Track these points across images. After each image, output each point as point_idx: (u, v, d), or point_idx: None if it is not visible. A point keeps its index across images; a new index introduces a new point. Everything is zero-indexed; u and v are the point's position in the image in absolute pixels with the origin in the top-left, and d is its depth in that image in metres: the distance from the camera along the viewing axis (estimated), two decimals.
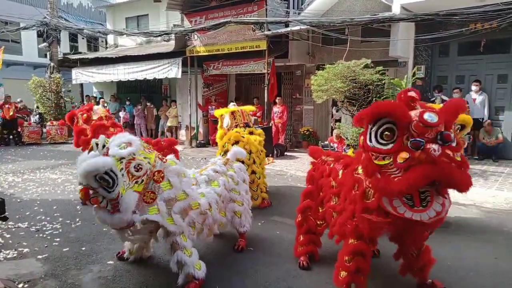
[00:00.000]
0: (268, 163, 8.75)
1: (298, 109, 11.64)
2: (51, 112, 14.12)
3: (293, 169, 8.26)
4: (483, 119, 8.40)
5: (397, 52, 8.59)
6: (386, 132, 2.27)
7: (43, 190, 6.46)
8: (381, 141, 2.30)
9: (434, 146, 2.13)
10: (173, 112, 12.95)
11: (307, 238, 3.58)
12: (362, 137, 2.48)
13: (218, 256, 3.81)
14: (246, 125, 5.59)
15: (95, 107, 5.84)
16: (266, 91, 10.13)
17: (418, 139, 2.16)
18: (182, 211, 3.04)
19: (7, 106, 12.19)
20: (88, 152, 2.73)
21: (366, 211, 2.53)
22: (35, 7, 15.68)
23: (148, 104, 13.94)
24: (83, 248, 3.98)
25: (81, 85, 15.86)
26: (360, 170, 2.66)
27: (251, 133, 5.55)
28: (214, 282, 3.22)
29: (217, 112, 5.89)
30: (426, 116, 2.17)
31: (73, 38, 21.33)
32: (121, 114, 14.07)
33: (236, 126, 5.56)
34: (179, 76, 11.41)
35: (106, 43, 17.14)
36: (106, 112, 5.87)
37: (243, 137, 5.36)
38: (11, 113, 12.19)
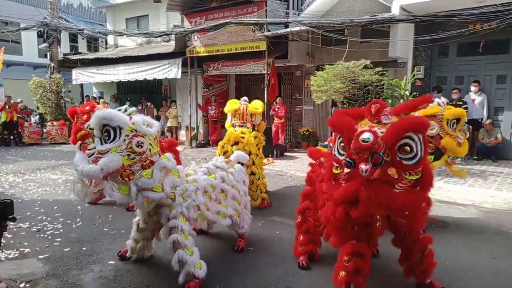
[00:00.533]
0: (268, 163, 8.78)
1: (298, 110, 11.67)
2: (52, 112, 14.14)
3: (292, 170, 8.29)
4: (482, 119, 8.44)
5: (397, 52, 8.62)
6: (342, 144, 2.55)
7: (43, 191, 6.48)
8: (341, 151, 2.57)
9: (363, 167, 2.30)
10: (173, 112, 12.97)
11: (307, 238, 3.60)
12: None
13: (218, 256, 3.84)
14: (242, 125, 5.59)
15: (98, 106, 5.76)
16: (266, 91, 10.16)
17: (348, 159, 2.39)
18: (150, 199, 3.08)
19: (7, 107, 12.18)
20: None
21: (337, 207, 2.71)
22: (35, 7, 15.70)
23: (148, 104, 13.97)
24: (84, 248, 3.99)
25: (81, 85, 15.89)
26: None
27: (242, 133, 5.50)
28: (214, 282, 3.24)
29: (226, 109, 5.82)
30: (362, 137, 2.33)
31: (73, 38, 21.36)
32: None
33: (233, 125, 5.57)
34: (179, 76, 11.44)
35: (106, 43, 17.18)
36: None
37: (243, 137, 5.38)
38: (15, 119, 12.25)
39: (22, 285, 3.21)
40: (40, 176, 7.65)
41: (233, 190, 3.82)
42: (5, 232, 3.77)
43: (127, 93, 15.91)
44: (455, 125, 4.28)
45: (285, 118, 11.09)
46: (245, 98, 5.97)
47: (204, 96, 12.62)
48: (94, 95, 16.86)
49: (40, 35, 15.50)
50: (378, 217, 2.79)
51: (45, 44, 14.48)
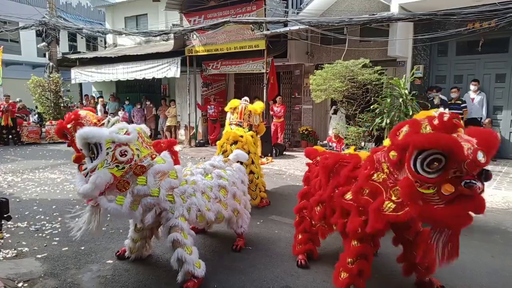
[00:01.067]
0: (267, 163, 8.77)
1: (297, 109, 11.66)
2: (50, 111, 14.12)
3: (291, 169, 8.28)
4: (481, 118, 8.43)
5: (396, 51, 8.61)
6: (435, 163, 2.22)
7: (42, 190, 6.47)
8: (426, 169, 2.24)
9: (479, 185, 2.18)
10: (172, 111, 12.96)
11: (306, 237, 3.60)
12: (393, 153, 2.43)
13: (217, 255, 3.83)
14: (238, 124, 5.59)
15: (81, 112, 5.29)
16: (265, 90, 10.15)
17: (472, 181, 2.17)
18: (148, 205, 3.05)
19: (4, 110, 12.11)
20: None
21: (381, 220, 2.58)
22: (34, 6, 15.68)
23: (148, 103, 13.97)
24: (82, 248, 3.99)
25: (80, 84, 15.88)
26: (377, 178, 2.65)
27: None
28: (213, 281, 3.24)
29: (227, 107, 5.84)
30: (479, 156, 2.18)
31: (72, 37, 21.32)
32: (120, 113, 14.09)
33: (230, 124, 5.57)
34: (178, 75, 11.42)
35: (105, 42, 17.16)
36: (92, 114, 5.39)
37: (242, 136, 5.38)
38: (11, 124, 12.24)
39: (20, 284, 3.21)
40: (38, 176, 7.64)
41: (233, 188, 3.80)
42: (0, 231, 3.76)
43: (126, 92, 15.89)
44: None
45: (284, 117, 11.09)
46: (246, 98, 5.97)
47: (203, 95, 12.60)
48: (93, 94, 16.84)
49: (39, 34, 15.48)
50: None
51: (43, 43, 14.44)
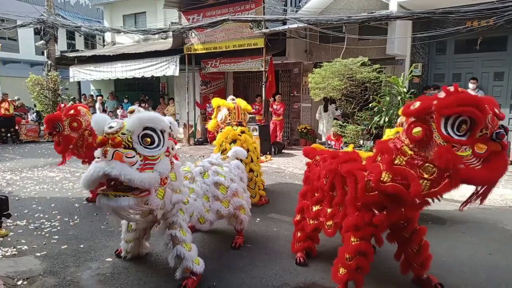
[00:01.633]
0: (266, 161, 8.78)
1: (296, 107, 11.67)
2: (49, 110, 14.07)
3: (290, 167, 8.30)
4: None
5: (394, 50, 8.62)
6: (464, 125, 2.27)
7: (41, 188, 6.47)
8: (457, 133, 2.29)
9: (504, 139, 2.27)
10: (170, 110, 12.95)
11: (305, 235, 3.61)
12: (418, 129, 2.39)
13: (215, 253, 3.84)
14: (239, 124, 5.61)
15: (81, 109, 5.34)
16: (263, 88, 10.16)
17: (501, 131, 2.25)
18: (177, 202, 3.06)
19: (3, 104, 12.14)
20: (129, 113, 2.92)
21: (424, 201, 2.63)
22: (32, 4, 15.64)
23: (145, 102, 13.96)
24: (82, 246, 3.99)
25: (79, 83, 15.84)
26: (400, 161, 2.56)
27: (242, 132, 5.52)
28: (211, 278, 3.25)
29: (214, 102, 5.82)
30: (497, 110, 2.29)
31: (70, 35, 21.25)
32: (119, 112, 14.08)
33: (228, 124, 5.56)
34: (177, 74, 11.42)
35: (104, 40, 17.12)
36: (90, 113, 5.43)
37: (240, 135, 5.39)
38: (10, 111, 12.18)
39: (19, 282, 3.21)
40: (37, 174, 7.63)
41: (233, 185, 3.80)
42: (1, 228, 3.77)
43: (124, 90, 15.87)
44: None
45: (283, 115, 11.10)
46: (232, 96, 6.00)
47: (202, 93, 12.60)
48: (92, 93, 16.82)
49: (37, 32, 15.43)
50: None
51: (42, 42, 14.40)
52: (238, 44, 10.34)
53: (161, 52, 11.60)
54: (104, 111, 13.90)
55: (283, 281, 3.25)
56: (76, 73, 14.19)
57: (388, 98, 7.31)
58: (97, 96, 15.44)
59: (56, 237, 4.25)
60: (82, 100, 15.68)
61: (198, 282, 3.08)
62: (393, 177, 2.56)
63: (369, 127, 7.91)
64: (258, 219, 4.80)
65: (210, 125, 5.77)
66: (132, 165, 2.50)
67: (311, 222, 3.47)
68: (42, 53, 16.22)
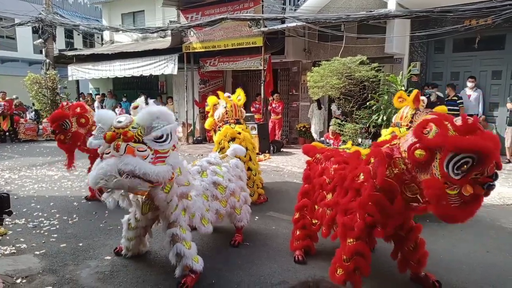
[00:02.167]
0: (265, 159, 8.79)
1: (295, 106, 11.68)
2: (47, 109, 14.05)
3: (289, 165, 8.31)
4: (477, 115, 8.47)
5: (393, 48, 8.63)
6: (465, 166, 2.22)
7: (40, 187, 6.47)
8: (456, 171, 2.24)
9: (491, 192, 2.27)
10: (169, 108, 12.93)
11: (304, 233, 3.62)
12: (421, 152, 2.34)
13: (215, 251, 3.86)
14: (237, 122, 5.61)
15: (86, 106, 5.44)
16: (262, 87, 10.16)
17: (493, 184, 2.23)
18: (183, 194, 3.10)
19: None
20: (133, 109, 2.93)
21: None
22: (30, 3, 15.57)
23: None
24: (80, 244, 4.00)
25: (77, 81, 15.80)
26: (390, 174, 2.59)
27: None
28: (210, 276, 3.26)
29: (210, 100, 5.83)
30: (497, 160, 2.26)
31: (68, 34, 21.19)
32: (117, 110, 14.05)
33: (226, 122, 5.57)
34: (175, 72, 11.40)
35: (102, 39, 17.08)
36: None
37: (239, 133, 5.40)
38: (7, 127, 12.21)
39: (18, 280, 3.22)
40: (36, 173, 7.63)
41: (231, 184, 3.81)
42: (1, 226, 3.77)
43: (123, 89, 15.84)
44: None
45: (282, 114, 11.10)
46: (228, 94, 6.01)
47: (201, 92, 12.59)
48: (90, 92, 16.78)
49: (35, 31, 15.39)
50: None
51: (40, 40, 14.36)
52: (237, 43, 10.33)
53: (159, 50, 11.57)
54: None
55: (282, 279, 3.26)
56: (75, 71, 14.16)
57: (386, 97, 7.29)
58: (95, 94, 15.41)
59: (55, 235, 4.25)
60: (80, 99, 15.65)
61: (197, 280, 3.10)
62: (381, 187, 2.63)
63: (367, 126, 7.91)
64: (257, 217, 4.81)
65: (207, 123, 5.78)
66: (145, 159, 2.54)
67: (314, 221, 3.49)
68: (41, 52, 16.17)
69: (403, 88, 7.31)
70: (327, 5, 9.77)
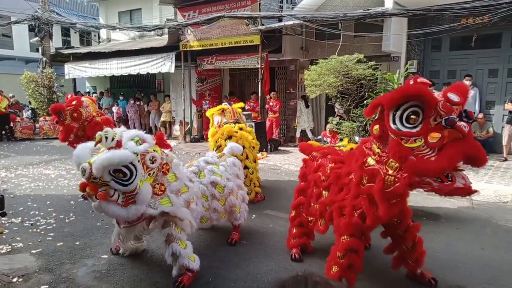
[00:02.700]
0: (262, 158, 8.79)
1: (292, 104, 11.66)
2: (44, 107, 14.00)
3: (286, 164, 8.32)
4: (474, 113, 8.51)
5: (390, 47, 8.64)
6: (412, 116, 2.26)
7: (36, 186, 6.45)
8: (406, 124, 2.28)
9: (463, 123, 2.19)
10: (166, 107, 12.92)
11: (300, 231, 3.63)
12: (376, 127, 2.48)
13: (211, 249, 3.86)
14: (236, 122, 5.63)
15: (84, 100, 5.57)
16: (260, 86, 10.15)
17: (451, 116, 2.18)
18: (186, 203, 3.10)
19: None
20: (95, 145, 2.76)
21: (390, 198, 2.55)
22: (26, 0, 15.46)
23: (140, 100, 13.91)
24: (77, 243, 3.99)
25: (74, 80, 15.74)
26: (370, 162, 2.64)
27: (241, 129, 5.56)
28: (207, 274, 3.26)
29: (208, 113, 5.93)
30: (450, 95, 2.21)
31: (65, 32, 21.11)
32: (114, 109, 14.03)
33: (226, 123, 5.59)
34: (173, 70, 11.38)
35: (99, 37, 17.00)
36: (94, 105, 5.68)
37: (236, 132, 5.40)
38: (3, 106, 12.09)
39: (14, 279, 3.21)
40: (32, 171, 7.60)
41: (230, 183, 3.81)
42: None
43: (120, 87, 15.80)
44: None
45: (279, 112, 11.10)
46: (227, 97, 6.11)
47: (198, 90, 12.56)
48: (87, 90, 16.71)
49: (31, 29, 15.30)
50: None
51: (36, 38, 14.29)
52: (234, 41, 10.32)
53: (156, 49, 11.53)
54: (99, 108, 13.82)
55: (279, 277, 3.26)
56: (71, 70, 14.10)
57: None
58: (92, 93, 15.36)
59: (52, 234, 4.24)
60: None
61: (193, 278, 3.10)
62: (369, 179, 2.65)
63: (364, 124, 7.92)
64: (254, 215, 4.82)
65: (210, 133, 5.78)
66: (117, 201, 2.62)
67: (310, 219, 3.49)
68: (37, 50, 16.09)
69: (400, 86, 7.33)
70: (324, 3, 9.77)
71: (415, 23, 8.54)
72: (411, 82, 2.40)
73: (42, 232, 4.30)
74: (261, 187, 5.76)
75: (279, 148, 10.28)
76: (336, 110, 10.28)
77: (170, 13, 12.43)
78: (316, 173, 3.28)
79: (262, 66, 10.03)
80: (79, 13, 20.78)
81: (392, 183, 2.49)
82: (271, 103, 10.86)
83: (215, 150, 5.12)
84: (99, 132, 2.76)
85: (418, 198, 5.27)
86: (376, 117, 2.50)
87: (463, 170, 2.40)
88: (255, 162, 5.71)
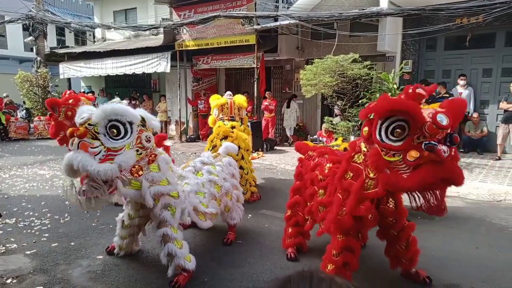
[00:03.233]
0: (258, 157, 8.80)
1: None
2: (38, 107, 13.91)
3: (282, 163, 8.32)
4: (468, 113, 8.55)
5: (385, 46, 8.67)
6: (398, 130, 2.27)
7: (31, 186, 6.41)
8: (391, 137, 2.30)
9: (444, 148, 2.19)
10: (162, 106, 12.88)
11: (296, 231, 3.64)
12: (365, 128, 2.50)
13: (207, 249, 3.86)
14: (231, 119, 5.60)
15: (81, 99, 5.38)
16: (255, 85, 10.15)
17: (432, 142, 2.18)
18: (158, 194, 2.99)
19: None
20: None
21: (362, 201, 2.60)
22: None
23: (137, 99, 13.84)
24: (72, 243, 3.97)
25: (69, 79, 15.66)
26: (358, 159, 2.69)
27: (233, 127, 5.50)
28: (203, 274, 3.26)
29: (211, 99, 5.82)
30: (439, 118, 2.19)
31: (60, 32, 20.98)
32: None
33: (221, 119, 5.56)
34: (168, 70, 11.34)
35: (94, 37, 16.92)
36: (90, 105, 5.67)
37: (232, 132, 5.39)
38: None
39: (8, 281, 3.19)
40: (27, 172, 7.55)
41: (226, 183, 3.81)
42: None
43: (115, 87, 15.73)
44: None
45: (275, 112, 11.11)
46: (229, 92, 5.99)
47: (194, 90, 12.54)
48: (82, 90, 16.60)
49: (25, 28, 15.19)
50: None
51: (31, 38, 14.19)
52: (230, 41, 10.31)
53: (152, 48, 11.49)
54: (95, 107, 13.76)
55: (274, 277, 3.27)
56: (66, 69, 14.02)
57: (378, 95, 7.32)
58: (87, 93, 15.26)
59: (46, 235, 4.22)
60: None
61: (189, 278, 3.09)
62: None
63: (359, 124, 7.94)
64: (249, 215, 4.82)
65: (209, 121, 5.78)
66: (95, 155, 2.55)
67: (306, 217, 3.49)
68: (31, 50, 15.98)
69: (395, 86, 7.36)
70: (319, 3, 9.79)
71: (410, 23, 8.58)
72: (410, 90, 2.39)
73: (37, 233, 4.27)
74: (257, 187, 5.76)
75: (275, 147, 10.29)
76: (336, 110, 10.31)
77: (165, 13, 12.38)
78: (313, 172, 3.29)
79: (258, 66, 10.03)
80: (73, 12, 20.65)
81: (372, 187, 2.57)
82: (266, 103, 10.86)
83: (210, 150, 5.12)
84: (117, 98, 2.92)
85: None
86: (369, 119, 2.51)
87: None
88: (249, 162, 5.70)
